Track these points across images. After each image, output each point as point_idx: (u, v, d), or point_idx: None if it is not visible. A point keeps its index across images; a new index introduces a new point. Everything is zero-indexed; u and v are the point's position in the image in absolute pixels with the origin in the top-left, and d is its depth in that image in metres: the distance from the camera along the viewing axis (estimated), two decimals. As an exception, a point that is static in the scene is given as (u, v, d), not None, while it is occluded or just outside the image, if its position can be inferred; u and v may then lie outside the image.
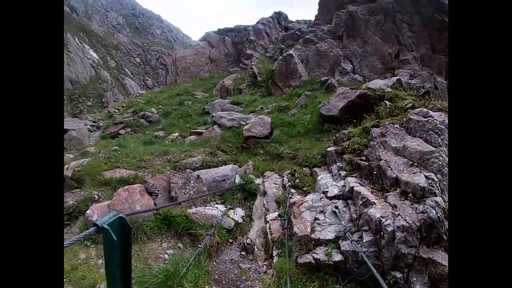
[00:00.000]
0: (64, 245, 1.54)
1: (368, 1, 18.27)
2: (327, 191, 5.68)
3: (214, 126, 10.01)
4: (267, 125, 9.19)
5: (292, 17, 31.52)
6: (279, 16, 29.79)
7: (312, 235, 4.74)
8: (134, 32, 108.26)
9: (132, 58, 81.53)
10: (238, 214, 5.78)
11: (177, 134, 10.90)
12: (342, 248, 4.40)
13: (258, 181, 6.79)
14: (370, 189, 5.23)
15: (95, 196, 6.07)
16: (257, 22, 28.54)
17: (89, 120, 17.25)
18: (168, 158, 7.81)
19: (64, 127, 12.97)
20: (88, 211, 5.20)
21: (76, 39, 62.21)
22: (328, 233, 4.71)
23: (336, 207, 5.18)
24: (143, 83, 74.30)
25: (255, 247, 5.22)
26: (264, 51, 24.60)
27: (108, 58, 70.38)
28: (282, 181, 6.92)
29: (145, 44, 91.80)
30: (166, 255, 4.81)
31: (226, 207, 5.84)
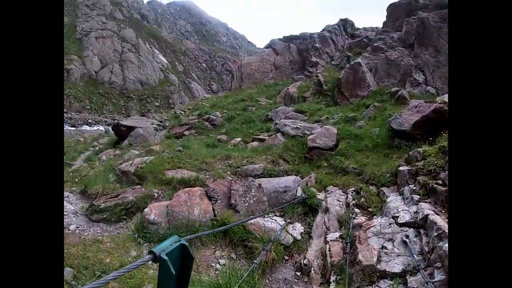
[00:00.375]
0: (120, 273, 1.34)
1: (439, 7, 16.92)
2: (398, 216, 5.09)
3: (277, 134, 9.76)
4: (332, 136, 8.70)
5: (358, 24, 30.36)
6: (345, 23, 28.91)
7: (378, 265, 4.24)
8: (201, 39, 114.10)
9: (199, 64, 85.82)
10: (297, 230, 5.41)
11: (239, 139, 10.85)
12: (409, 284, 3.88)
13: (320, 196, 6.36)
14: (447, 219, 4.57)
15: (155, 194, 6.12)
16: (323, 30, 27.99)
17: (156, 120, 18.04)
18: (230, 162, 7.71)
19: (132, 125, 13.66)
20: (146, 209, 5.21)
21: (147, 45, 67.01)
22: (396, 265, 4.19)
23: (407, 236, 4.60)
24: (208, 88, 77.66)
25: (312, 269, 4.81)
26: (330, 59, 23.97)
27: (176, 62, 74.76)
28: (346, 198, 6.40)
29: (211, 51, 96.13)
30: (218, 265, 4.62)
31: (285, 221, 5.50)
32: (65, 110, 46.65)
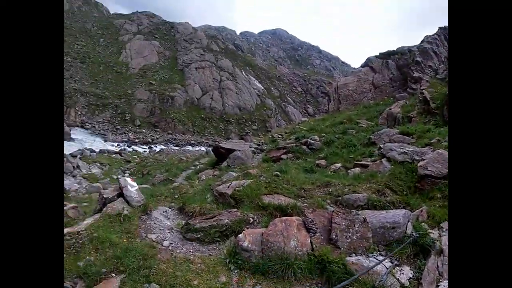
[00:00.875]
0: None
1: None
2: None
3: (382, 159, 8.85)
4: (446, 162, 7.51)
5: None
6: (445, 32, 26.05)
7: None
8: (294, 63, 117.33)
9: (294, 88, 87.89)
10: (405, 274, 4.63)
11: (339, 164, 10.19)
12: None
13: (433, 234, 5.42)
14: None
15: (251, 219, 6.00)
16: (422, 41, 25.92)
17: (253, 143, 18.49)
18: (330, 190, 7.21)
19: (230, 147, 14.15)
20: (240, 235, 5.08)
21: (243, 72, 71.42)
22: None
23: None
24: (304, 111, 78.68)
25: (422, 324, 4.00)
26: (434, 72, 21.76)
27: (272, 88, 77.83)
28: (466, 238, 5.31)
29: (305, 74, 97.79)
30: (310, 307, 4.19)
31: (391, 263, 4.78)
32: (170, 131, 51.91)
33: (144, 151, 39.67)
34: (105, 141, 42.77)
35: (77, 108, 49.82)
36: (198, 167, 16.62)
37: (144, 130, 50.00)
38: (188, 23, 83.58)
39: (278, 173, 8.52)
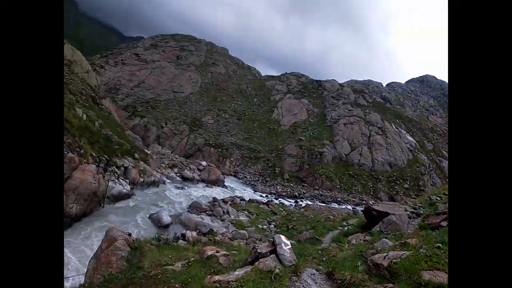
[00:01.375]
0: None
1: None
2: None
3: None
4: None
5: None
6: None
7: None
8: (447, 111, 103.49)
9: (449, 140, 77.59)
10: None
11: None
12: None
13: None
14: None
15: (408, 298, 5.41)
16: None
17: (409, 206, 16.89)
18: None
19: (384, 210, 13.22)
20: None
21: (393, 126, 67.55)
22: None
23: None
24: (463, 166, 68.09)
25: None
26: None
27: (425, 141, 70.97)
28: None
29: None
30: None
31: None
32: (316, 187, 51.99)
33: (290, 204, 40.63)
34: (255, 191, 45.60)
35: (232, 159, 55.81)
36: (346, 228, 15.99)
37: (292, 184, 51.86)
38: (334, 80, 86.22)
39: (440, 245, 7.50)
